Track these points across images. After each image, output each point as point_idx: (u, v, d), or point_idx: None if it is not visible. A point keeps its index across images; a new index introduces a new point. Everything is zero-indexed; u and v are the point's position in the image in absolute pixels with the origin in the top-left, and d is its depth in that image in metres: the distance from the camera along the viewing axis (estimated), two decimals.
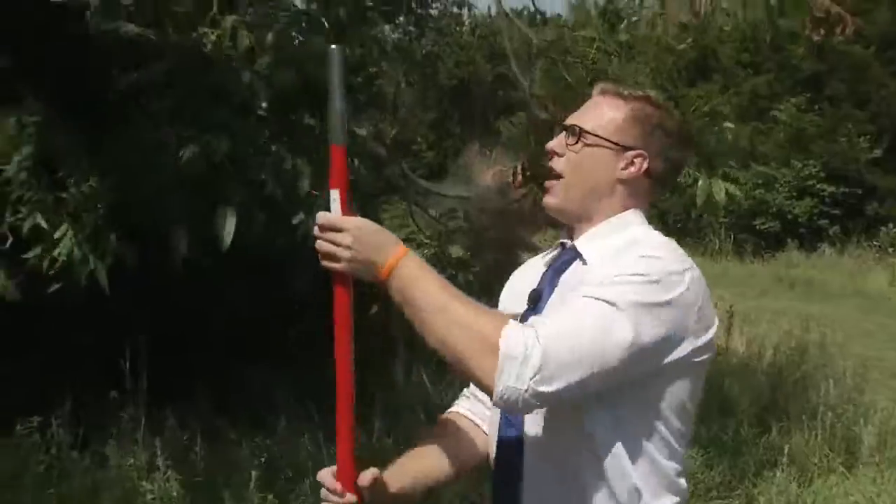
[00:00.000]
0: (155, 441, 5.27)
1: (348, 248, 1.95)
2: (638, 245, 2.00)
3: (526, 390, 1.78)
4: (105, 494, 4.74)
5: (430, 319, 1.89)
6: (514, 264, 2.23)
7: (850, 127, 26.74)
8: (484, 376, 1.82)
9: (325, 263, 1.98)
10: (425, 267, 1.97)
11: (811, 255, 23.67)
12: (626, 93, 2.15)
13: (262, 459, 5.29)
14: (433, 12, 9.58)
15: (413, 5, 8.80)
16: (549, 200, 2.16)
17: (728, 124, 5.77)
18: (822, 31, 5.18)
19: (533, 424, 2.03)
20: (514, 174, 5.59)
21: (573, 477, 1.99)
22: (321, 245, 1.98)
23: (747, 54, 26.94)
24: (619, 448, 1.96)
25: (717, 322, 2.02)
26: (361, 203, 5.11)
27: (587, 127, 2.11)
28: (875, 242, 23.65)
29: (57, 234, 4.22)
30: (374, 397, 6.09)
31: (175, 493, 4.53)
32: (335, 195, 2.03)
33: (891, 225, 24.54)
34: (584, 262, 2.08)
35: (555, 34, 7.83)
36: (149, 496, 4.61)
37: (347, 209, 2.02)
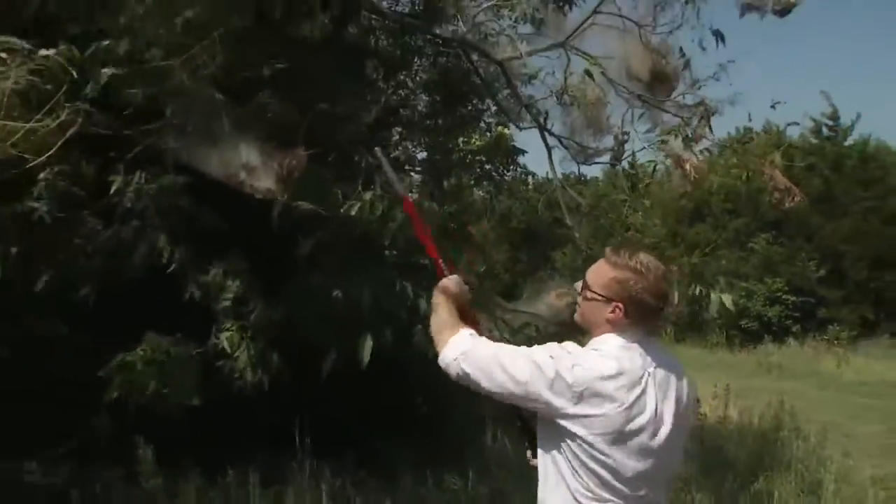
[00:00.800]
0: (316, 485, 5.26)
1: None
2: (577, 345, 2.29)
3: (454, 359, 2.30)
4: None
5: (433, 321, 2.45)
6: None
7: (804, 255, 26.74)
8: (439, 350, 2.36)
9: None
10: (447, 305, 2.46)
11: (781, 347, 23.06)
12: (615, 260, 2.30)
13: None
14: (507, 178, 9.63)
15: (493, 174, 8.87)
16: (575, 318, 2.44)
17: (724, 261, 5.91)
18: (779, 197, 5.24)
19: None
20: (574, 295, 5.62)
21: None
22: None
23: (730, 204, 26.94)
24: (545, 459, 2.28)
25: (599, 408, 2.13)
26: None
27: (589, 283, 2.33)
28: (825, 337, 23.05)
29: (236, 354, 4.31)
30: (470, 458, 5.97)
31: None
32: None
33: (835, 324, 24.23)
34: None
35: (594, 194, 7.92)
36: None
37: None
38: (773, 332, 25.24)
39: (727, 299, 5.22)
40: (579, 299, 2.37)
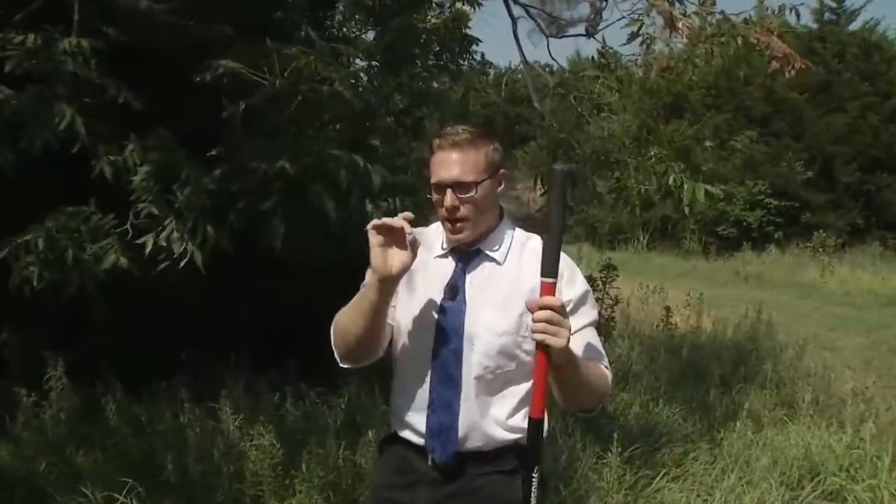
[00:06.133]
0: (254, 400, 5.32)
1: (570, 330, 2.04)
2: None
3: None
4: (218, 439, 4.76)
5: (575, 391, 2.21)
6: None
7: (790, 155, 26.95)
8: (599, 406, 2.36)
9: (545, 338, 2.00)
10: (578, 357, 2.17)
11: (761, 255, 23.59)
12: (465, 138, 2.26)
13: (340, 416, 5.29)
14: (463, 68, 9.50)
15: (449, 64, 8.77)
16: (469, 214, 2.30)
17: (708, 142, 5.79)
18: (778, 66, 5.16)
19: None
20: (536, 183, 5.62)
21: None
22: (546, 326, 2.00)
23: (711, 98, 26.95)
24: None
25: None
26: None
27: (474, 179, 2.23)
28: (809, 244, 23.53)
29: (166, 223, 4.20)
30: None
31: (270, 440, 4.52)
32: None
33: (821, 231, 24.48)
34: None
35: (560, 78, 7.79)
36: (249, 443, 4.61)
37: None
38: (753, 238, 25.77)
39: (700, 189, 5.15)
40: (465, 204, 2.25)
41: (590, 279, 9.53)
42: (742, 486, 4.89)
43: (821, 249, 22.37)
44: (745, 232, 26.40)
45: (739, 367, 7.77)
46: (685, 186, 5.16)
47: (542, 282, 2.06)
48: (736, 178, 26.33)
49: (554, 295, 2.04)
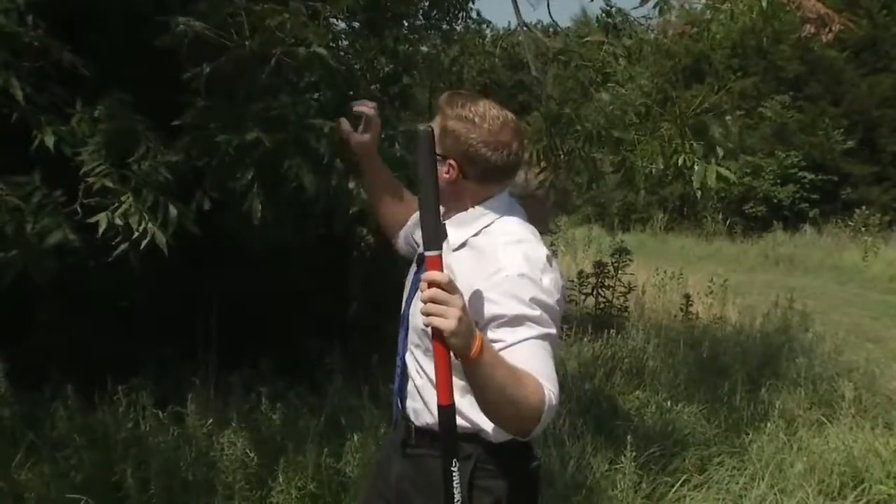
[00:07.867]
0: (224, 403, 5.32)
1: (461, 309, 1.94)
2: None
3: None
4: (185, 447, 4.76)
5: (495, 397, 2.03)
6: None
7: (827, 122, 26.87)
8: (532, 429, 2.09)
9: (431, 319, 1.95)
10: (496, 354, 2.06)
11: (794, 235, 23.66)
12: (448, 111, 2.30)
13: (321, 417, 5.29)
14: (458, 28, 9.51)
15: (438, 22, 8.77)
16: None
17: (728, 117, 5.69)
18: (814, 30, 5.12)
19: None
20: (531, 161, 5.59)
21: None
22: (430, 307, 1.95)
23: (736, 59, 26.84)
24: None
25: None
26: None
27: None
28: (849, 223, 23.57)
29: (122, 198, 4.15)
30: None
31: (243, 447, 4.53)
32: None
33: (863, 207, 24.43)
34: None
35: (563, 43, 7.74)
36: (219, 451, 4.62)
37: None
38: (784, 217, 25.84)
39: (711, 171, 5.08)
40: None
41: (600, 265, 9.55)
42: (774, 494, 4.90)
43: (863, 229, 22.42)
44: (775, 210, 26.44)
45: (769, 363, 7.80)
46: (695, 168, 5.10)
47: (425, 256, 2.04)
48: (765, 149, 26.34)
49: (441, 270, 2.00)
